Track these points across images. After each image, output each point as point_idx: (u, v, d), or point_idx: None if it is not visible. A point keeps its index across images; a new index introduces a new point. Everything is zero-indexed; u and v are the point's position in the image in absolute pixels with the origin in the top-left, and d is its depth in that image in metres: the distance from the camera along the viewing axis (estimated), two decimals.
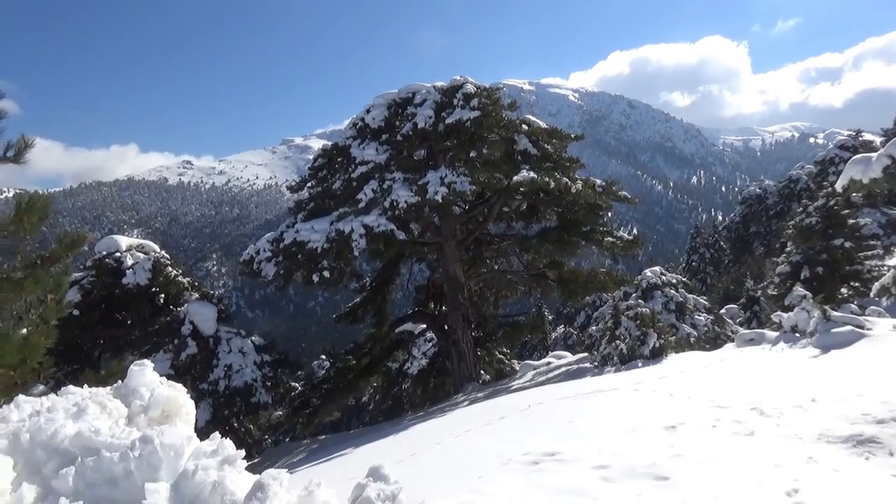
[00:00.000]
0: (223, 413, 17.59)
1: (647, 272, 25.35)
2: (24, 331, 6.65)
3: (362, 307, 21.75)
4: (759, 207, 48.28)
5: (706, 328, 23.22)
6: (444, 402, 18.33)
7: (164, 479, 2.33)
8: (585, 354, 21.37)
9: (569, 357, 22.56)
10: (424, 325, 22.46)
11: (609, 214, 19.99)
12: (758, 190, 50.24)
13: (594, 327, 30.90)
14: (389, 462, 2.54)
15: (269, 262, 17.32)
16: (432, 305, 22.31)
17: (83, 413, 2.77)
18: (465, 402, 15.90)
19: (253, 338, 19.21)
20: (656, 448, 5.44)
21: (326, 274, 17.06)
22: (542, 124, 20.21)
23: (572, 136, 20.36)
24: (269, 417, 21.21)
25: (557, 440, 6.19)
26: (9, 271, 6.38)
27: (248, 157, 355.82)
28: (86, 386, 3.32)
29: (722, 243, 48.81)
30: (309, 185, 20.02)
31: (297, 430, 21.96)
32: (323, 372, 26.12)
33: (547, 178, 17.41)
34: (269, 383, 18.46)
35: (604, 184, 19.57)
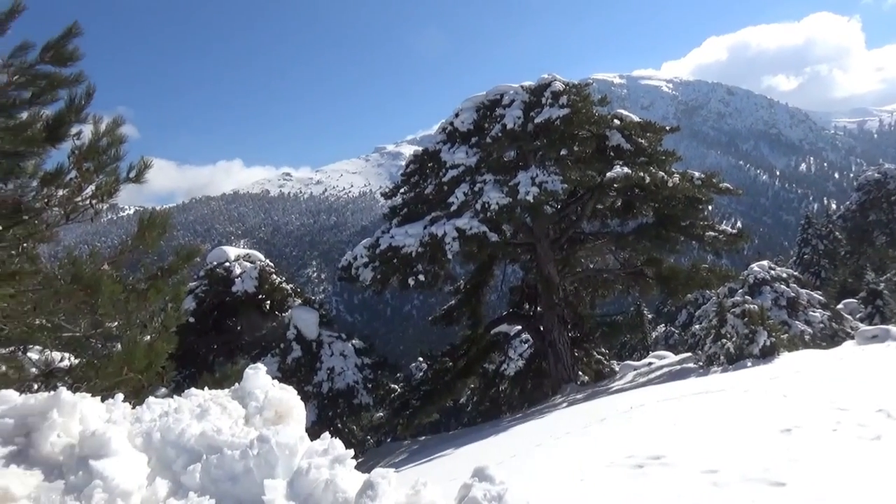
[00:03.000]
0: (327, 414, 18.26)
1: (755, 267, 24.13)
2: (148, 338, 7.20)
3: (457, 309, 21.95)
4: (878, 194, 44.65)
5: (822, 325, 21.80)
6: (542, 404, 18.19)
7: (281, 477, 2.47)
8: (689, 354, 20.63)
9: (671, 357, 21.82)
10: (520, 327, 22.39)
11: (710, 208, 19.21)
12: (877, 175, 46.46)
13: (697, 326, 29.73)
14: (490, 463, 2.57)
15: (366, 268, 17.83)
16: (527, 306, 22.20)
17: (206, 414, 2.99)
18: (564, 404, 15.71)
19: (353, 341, 19.83)
20: (770, 452, 5.16)
21: (421, 277, 17.37)
22: (635, 118, 19.68)
23: (667, 128, 19.72)
24: (371, 418, 21.80)
25: (662, 443, 6.00)
26: (134, 283, 6.93)
27: (343, 166, 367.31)
28: (206, 388, 3.56)
29: (837, 233, 45.41)
30: (402, 190, 20.47)
31: (397, 430, 22.43)
32: (421, 374, 26.56)
33: (642, 173, 16.94)
34: (370, 385, 18.99)
35: (703, 176, 18.81)
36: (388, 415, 21.00)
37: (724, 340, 14.55)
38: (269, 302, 19.12)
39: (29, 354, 7.19)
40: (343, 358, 18.83)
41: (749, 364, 13.36)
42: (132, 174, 6.92)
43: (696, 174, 18.94)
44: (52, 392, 2.89)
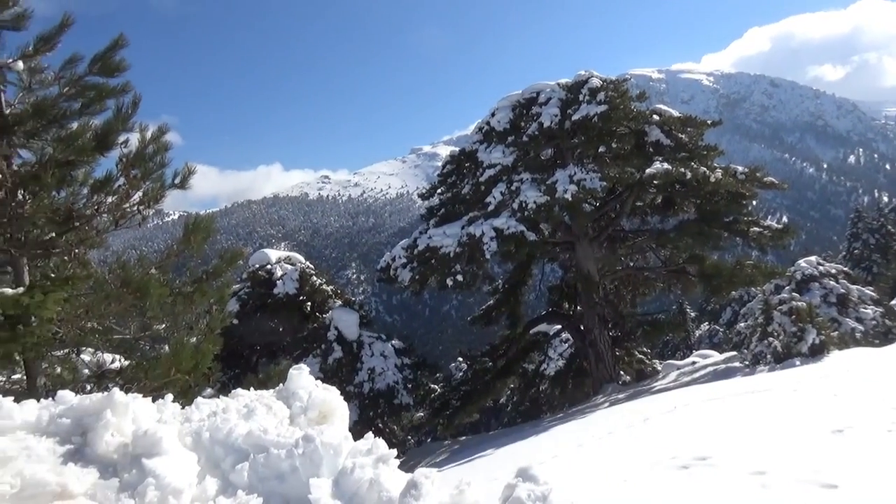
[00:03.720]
0: (368, 414, 18.41)
1: (802, 262, 23.44)
2: (195, 339, 7.38)
3: (496, 309, 21.90)
4: None
5: (874, 322, 21.05)
6: (584, 404, 18.03)
7: (326, 476, 2.51)
8: (734, 353, 20.20)
9: (715, 356, 21.39)
10: (559, 326, 22.21)
11: (754, 203, 18.73)
12: None
13: (742, 324, 29.10)
14: (532, 463, 2.55)
15: (405, 269, 17.94)
16: (566, 305, 22.03)
17: (252, 414, 3.05)
18: (606, 404, 15.54)
19: (393, 341, 19.96)
20: (821, 453, 5.00)
21: (459, 277, 17.38)
22: (675, 113, 19.34)
23: (708, 122, 19.31)
24: (411, 418, 21.89)
25: (708, 443, 5.88)
26: (181, 286, 7.12)
27: (380, 167, 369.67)
28: (251, 388, 3.64)
29: (889, 227, 43.74)
30: (439, 191, 20.53)
31: (438, 430, 22.50)
32: (460, 374, 26.60)
33: (682, 169, 16.64)
34: (410, 385, 19.09)
35: (746, 170, 18.36)
36: (429, 415, 21.06)
37: (770, 339, 14.19)
38: (309, 303, 19.38)
39: (82, 356, 7.44)
40: (383, 358, 18.97)
41: (797, 363, 13.01)
42: (177, 180, 7.13)
43: (740, 169, 18.52)
44: (105, 393, 2.99)
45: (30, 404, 2.96)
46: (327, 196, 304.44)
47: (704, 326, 42.54)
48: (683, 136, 18.55)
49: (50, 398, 3.12)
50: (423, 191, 21.90)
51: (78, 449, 2.76)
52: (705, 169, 17.12)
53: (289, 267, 19.52)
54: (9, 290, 5.08)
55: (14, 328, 4.86)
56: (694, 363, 20.16)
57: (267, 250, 20.64)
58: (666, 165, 16.87)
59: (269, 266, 19.41)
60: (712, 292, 19.66)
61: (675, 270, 19.95)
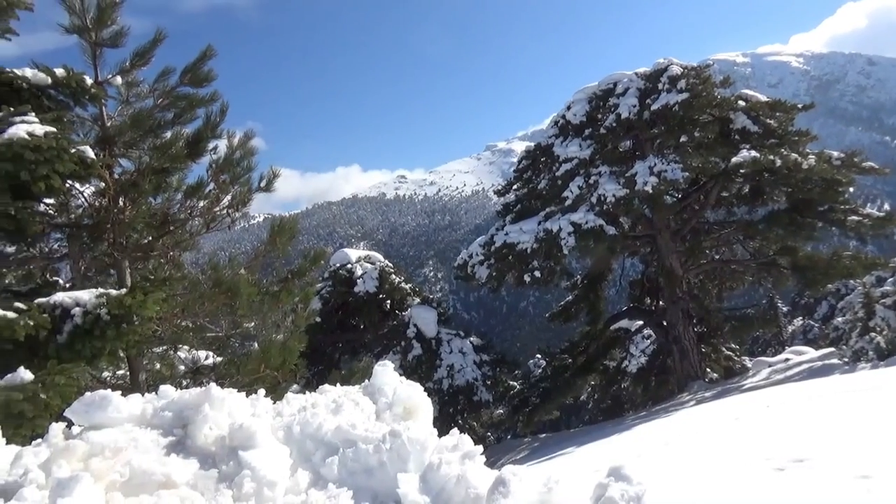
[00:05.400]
0: (448, 411, 18.58)
1: None
2: (281, 337, 7.66)
3: (575, 305, 21.60)
4: None
5: None
6: (668, 402, 17.51)
7: (413, 471, 2.55)
8: (831, 350, 19.08)
9: (810, 353, 20.25)
10: (641, 322, 21.69)
11: (851, 190, 17.60)
12: None
13: (841, 319, 27.43)
14: (623, 463, 2.49)
15: (482, 265, 17.97)
16: (648, 301, 21.48)
17: (340, 409, 3.14)
18: (692, 402, 15.04)
19: (471, 338, 20.04)
20: None
21: (537, 273, 17.28)
22: (762, 97, 18.47)
23: (799, 106, 18.35)
24: (491, 415, 21.92)
25: (805, 444, 5.57)
26: (268, 286, 7.41)
27: (455, 165, 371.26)
28: (338, 384, 3.74)
29: None
30: (514, 187, 20.44)
31: (517, 428, 22.43)
32: (539, 371, 26.37)
33: (772, 156, 15.88)
34: (489, 382, 19.13)
35: (843, 155, 17.32)
36: (508, 412, 21.03)
37: (873, 334, 13.37)
38: (389, 301, 19.72)
39: (179, 353, 7.86)
40: (462, 355, 19.08)
41: None
42: (262, 183, 7.44)
43: (835, 154, 17.50)
44: (202, 388, 3.15)
45: (135, 398, 3.15)
46: (404, 195, 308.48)
47: (798, 322, 40.54)
48: (772, 121, 17.69)
49: (153, 393, 3.31)
50: (499, 187, 21.85)
51: (179, 441, 2.92)
52: (797, 155, 16.26)
53: (368, 266, 19.93)
54: (113, 292, 5.43)
55: (119, 327, 5.19)
56: (787, 360, 19.19)
57: (347, 250, 21.15)
58: (753, 153, 16.15)
59: (349, 265, 19.88)
60: (806, 285, 18.72)
61: (765, 263, 19.07)
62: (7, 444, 2.95)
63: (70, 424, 2.99)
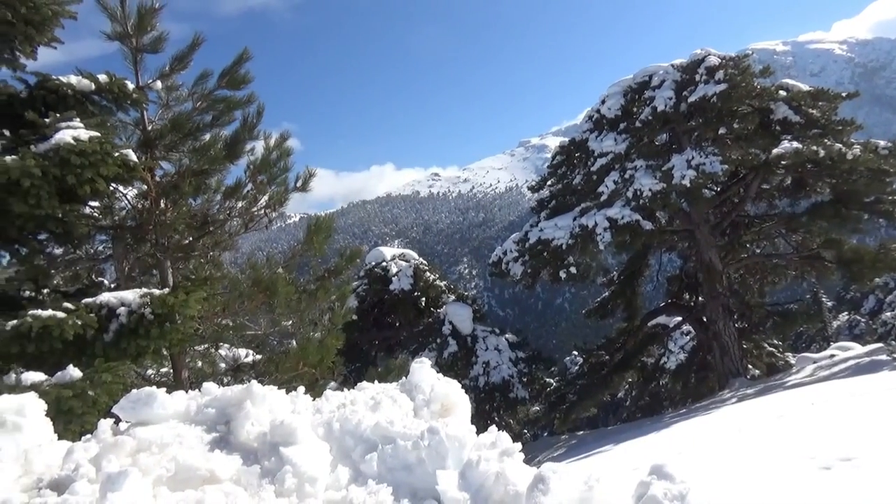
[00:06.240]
0: (484, 408, 18.56)
1: None
2: (319, 335, 7.75)
3: (611, 301, 21.38)
4: None
5: None
6: (708, 399, 17.20)
7: (451, 468, 2.55)
8: (879, 345, 18.48)
9: (857, 349, 19.65)
10: (680, 318, 21.33)
11: None
12: None
13: (889, 313, 26.64)
14: (665, 461, 2.45)
15: (517, 262, 17.89)
16: (687, 296, 21.14)
17: (378, 406, 3.16)
18: (733, 400, 14.74)
19: (506, 335, 19.98)
20: None
21: (573, 270, 17.14)
22: (804, 87, 17.95)
23: (843, 94, 17.77)
24: (527, 412, 21.84)
25: (852, 443, 5.41)
26: (305, 284, 7.50)
27: (489, 162, 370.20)
28: (375, 382, 3.77)
29: None
30: (549, 183, 20.28)
31: (554, 425, 22.30)
32: (576, 368, 26.20)
33: (814, 147, 15.43)
34: (525, 379, 19.05)
35: (890, 145, 16.73)
36: (545, 409, 20.92)
37: None
38: (424, 299, 19.78)
39: (220, 351, 8.02)
40: (497, 352, 19.04)
41: None
42: (299, 183, 7.53)
43: (882, 143, 16.92)
44: (244, 385, 3.21)
45: (179, 395, 3.22)
46: (437, 193, 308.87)
47: (843, 317, 39.43)
48: (814, 111, 17.19)
49: (196, 390, 3.38)
50: (533, 183, 21.72)
51: (222, 437, 2.98)
52: (841, 146, 15.78)
53: (403, 264, 20.03)
54: (156, 291, 5.57)
55: (162, 325, 5.32)
56: (832, 356, 18.64)
57: (382, 248, 21.29)
58: (795, 144, 15.72)
59: (384, 263, 20.00)
60: (852, 279, 18.18)
61: (809, 256, 18.58)
62: (58, 439, 3.05)
63: (117, 421, 3.07)
